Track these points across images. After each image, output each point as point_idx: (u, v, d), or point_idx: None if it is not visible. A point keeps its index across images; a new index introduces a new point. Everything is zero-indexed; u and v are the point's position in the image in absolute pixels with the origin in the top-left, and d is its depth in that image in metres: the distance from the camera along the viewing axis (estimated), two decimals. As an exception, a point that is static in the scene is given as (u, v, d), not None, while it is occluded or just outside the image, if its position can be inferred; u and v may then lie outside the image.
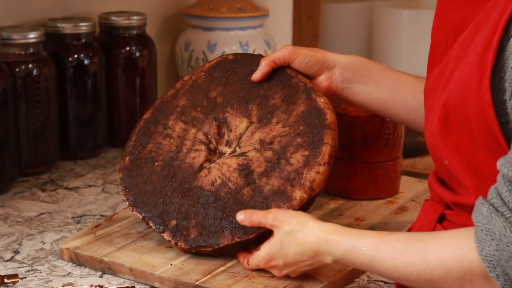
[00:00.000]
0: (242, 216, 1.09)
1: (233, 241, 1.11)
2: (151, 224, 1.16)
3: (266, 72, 1.22)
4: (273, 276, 1.09)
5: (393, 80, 1.26)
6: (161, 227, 1.15)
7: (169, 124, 1.24)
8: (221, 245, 1.11)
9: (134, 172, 1.22)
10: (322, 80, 1.24)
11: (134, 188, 1.20)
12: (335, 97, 1.26)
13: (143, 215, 1.17)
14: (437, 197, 1.06)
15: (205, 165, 1.18)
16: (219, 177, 1.16)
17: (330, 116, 1.16)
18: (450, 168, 0.99)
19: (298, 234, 1.04)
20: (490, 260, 0.84)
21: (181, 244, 1.13)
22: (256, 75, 1.22)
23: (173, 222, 1.15)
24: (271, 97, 1.21)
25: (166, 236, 1.14)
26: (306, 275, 1.08)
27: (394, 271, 0.96)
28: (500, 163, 0.87)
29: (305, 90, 1.18)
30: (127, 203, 1.19)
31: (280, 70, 1.22)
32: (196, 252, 1.14)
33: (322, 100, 1.17)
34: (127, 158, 1.23)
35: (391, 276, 0.99)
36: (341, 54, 1.26)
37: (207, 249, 1.12)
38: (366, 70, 1.26)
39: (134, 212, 1.18)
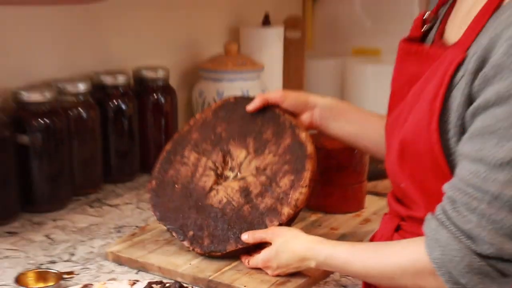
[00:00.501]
0: (246, 236, 1.12)
1: (237, 248, 1.14)
2: (174, 234, 1.19)
3: (258, 106, 1.23)
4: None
5: (361, 118, 1.26)
6: (181, 237, 1.17)
7: (185, 154, 1.25)
8: (227, 251, 1.14)
9: (159, 193, 1.23)
10: (305, 118, 1.24)
11: (160, 206, 1.22)
12: (318, 127, 1.27)
13: (167, 227, 1.20)
14: (394, 211, 1.07)
15: (214, 187, 1.20)
16: (225, 197, 1.18)
17: (310, 148, 1.17)
18: (405, 189, 1.00)
19: (291, 244, 1.07)
20: (437, 262, 0.86)
21: (197, 249, 1.16)
22: (250, 107, 1.23)
23: (191, 233, 1.17)
24: (264, 132, 1.21)
25: (185, 243, 1.17)
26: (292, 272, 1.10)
27: (363, 272, 0.99)
28: (446, 187, 0.89)
29: (291, 126, 1.19)
30: (155, 217, 1.22)
31: (271, 110, 1.22)
32: (208, 255, 1.16)
33: (303, 134, 1.18)
34: (153, 182, 1.25)
35: (361, 276, 1.02)
36: (320, 97, 1.26)
37: (217, 254, 1.15)
38: (340, 110, 1.26)
39: (161, 224, 1.22)
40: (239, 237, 1.14)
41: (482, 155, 0.84)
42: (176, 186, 1.22)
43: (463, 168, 0.87)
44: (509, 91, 0.82)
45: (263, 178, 1.18)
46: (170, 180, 1.23)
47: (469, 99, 0.88)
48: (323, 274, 1.15)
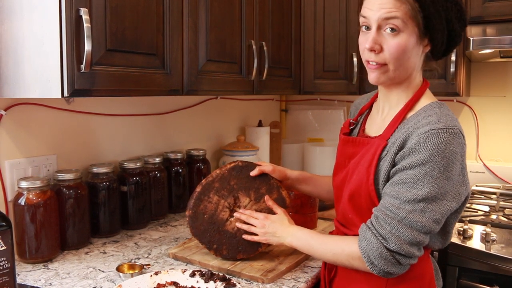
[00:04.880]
0: (267, 198, 1.09)
1: (243, 257, 1.11)
2: (204, 246, 1.13)
3: (257, 174, 1.14)
4: (262, 264, 1.08)
5: (316, 182, 1.20)
6: (209, 248, 1.12)
7: (210, 196, 1.14)
8: (237, 258, 1.11)
9: (194, 219, 1.13)
10: (284, 182, 1.18)
11: (194, 227, 1.13)
12: (291, 187, 1.21)
13: (200, 241, 1.13)
14: (340, 231, 1.02)
15: (228, 218, 1.13)
16: (236, 226, 1.12)
17: (288, 201, 1.13)
18: (351, 218, 0.96)
19: (286, 221, 1.05)
20: (362, 249, 0.86)
21: (219, 256, 1.12)
22: (253, 173, 1.13)
23: (215, 246, 1.12)
24: (260, 188, 1.14)
25: (211, 253, 1.12)
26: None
27: (319, 248, 0.95)
28: (374, 209, 0.88)
29: (277, 187, 1.14)
30: (192, 234, 1.14)
31: (265, 176, 1.14)
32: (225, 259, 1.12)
33: (284, 193, 1.13)
34: (190, 211, 1.14)
35: (316, 251, 0.95)
36: (294, 171, 1.19)
37: (231, 260, 1.11)
38: (304, 178, 1.20)
39: (195, 239, 1.15)
40: (244, 252, 1.10)
41: (398, 195, 0.85)
42: (205, 216, 1.13)
43: (385, 200, 0.87)
44: (417, 163, 0.83)
45: None
46: (201, 212, 1.13)
47: (392, 165, 0.88)
48: (294, 265, 1.11)
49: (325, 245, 0.94)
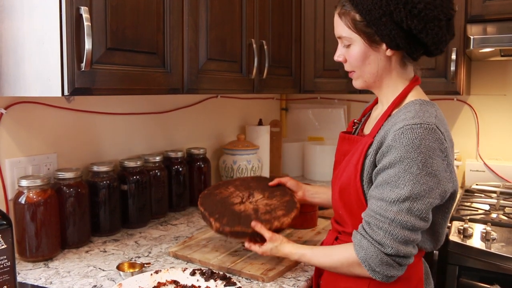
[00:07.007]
0: (254, 223, 1.06)
1: (241, 230, 1.07)
2: (206, 214, 1.12)
3: (275, 184, 1.21)
4: (263, 263, 1.10)
5: (326, 193, 1.20)
6: (210, 215, 1.11)
7: (228, 187, 1.23)
8: (234, 229, 1.07)
9: (206, 196, 1.19)
10: (299, 194, 1.21)
11: (204, 202, 1.16)
12: (304, 199, 1.22)
13: (203, 210, 1.13)
14: (334, 229, 1.06)
15: (238, 204, 1.16)
16: (243, 208, 1.14)
17: (298, 204, 1.14)
18: (341, 214, 0.99)
19: (280, 247, 1.03)
20: (362, 259, 0.87)
21: (217, 224, 1.08)
22: (272, 183, 1.21)
23: (216, 215, 1.11)
24: (275, 191, 1.20)
25: (212, 220, 1.10)
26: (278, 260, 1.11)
27: (320, 264, 0.96)
28: (363, 215, 0.89)
29: (290, 193, 1.19)
30: (201, 209, 1.14)
31: (282, 186, 1.22)
32: (222, 232, 1.07)
33: (295, 198, 1.17)
34: (205, 191, 1.22)
35: (320, 266, 0.98)
36: (304, 184, 1.23)
37: (227, 229, 1.07)
38: (316, 191, 1.22)
39: (201, 208, 1.14)
40: (244, 226, 1.08)
41: (383, 196, 0.86)
42: (217, 197, 1.18)
43: (372, 204, 0.88)
44: (395, 160, 0.84)
45: (268, 207, 1.14)
46: (214, 193, 1.20)
47: (374, 164, 0.90)
48: (294, 264, 1.13)
49: (325, 261, 0.96)
